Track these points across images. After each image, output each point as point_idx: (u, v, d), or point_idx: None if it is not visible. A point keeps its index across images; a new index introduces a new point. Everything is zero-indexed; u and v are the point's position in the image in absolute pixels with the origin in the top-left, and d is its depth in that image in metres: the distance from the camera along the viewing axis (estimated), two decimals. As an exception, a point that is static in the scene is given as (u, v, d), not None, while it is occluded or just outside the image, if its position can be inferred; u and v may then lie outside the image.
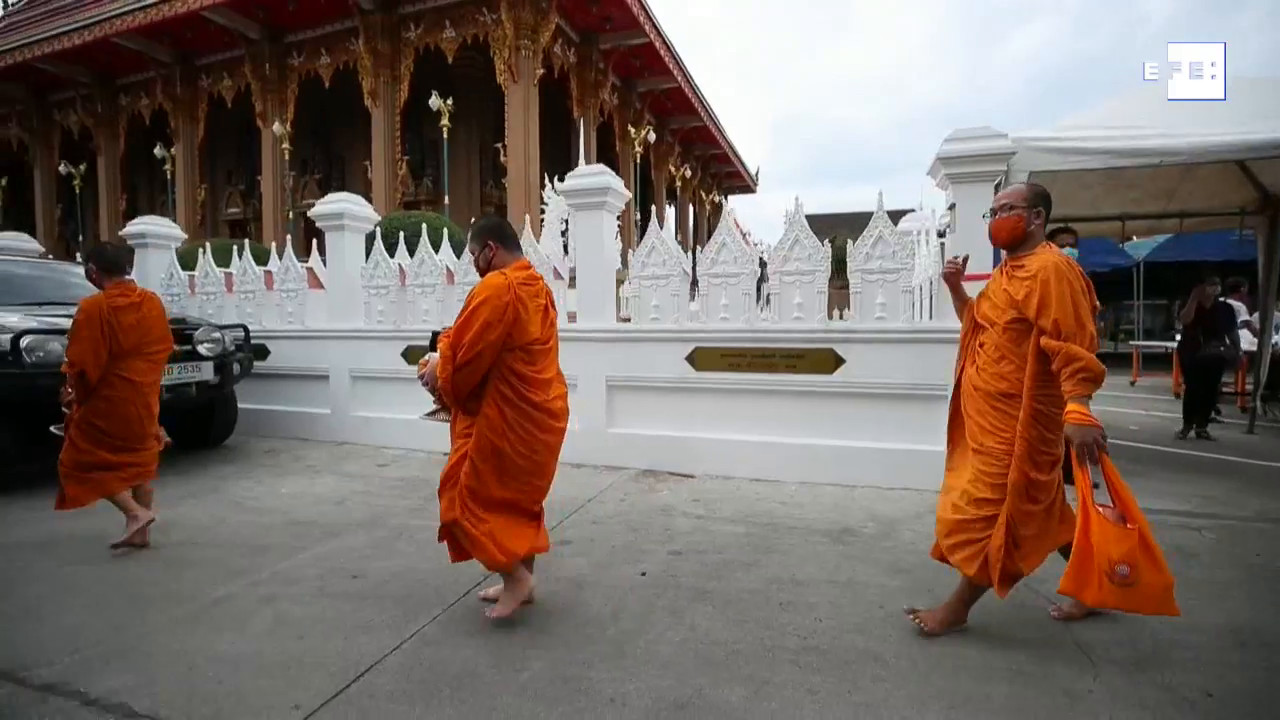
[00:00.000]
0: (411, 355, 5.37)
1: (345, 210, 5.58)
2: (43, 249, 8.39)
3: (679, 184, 21.97)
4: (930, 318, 4.58)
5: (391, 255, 5.54)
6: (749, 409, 4.45)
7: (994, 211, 2.29)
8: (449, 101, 13.33)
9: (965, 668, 2.04)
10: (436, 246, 5.50)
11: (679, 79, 19.33)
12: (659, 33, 17.01)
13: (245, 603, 2.55)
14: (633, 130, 16.77)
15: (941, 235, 5.16)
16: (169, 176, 17.60)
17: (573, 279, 5.19)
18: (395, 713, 1.83)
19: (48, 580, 2.80)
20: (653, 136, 17.01)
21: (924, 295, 4.99)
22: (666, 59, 17.97)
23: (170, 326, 4.62)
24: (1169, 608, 1.99)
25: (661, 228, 4.72)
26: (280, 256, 6.09)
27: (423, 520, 3.58)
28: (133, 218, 18.53)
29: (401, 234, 5.71)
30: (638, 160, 17.29)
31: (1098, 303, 2.20)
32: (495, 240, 2.43)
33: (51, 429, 3.47)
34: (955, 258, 2.56)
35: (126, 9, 16.00)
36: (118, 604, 2.55)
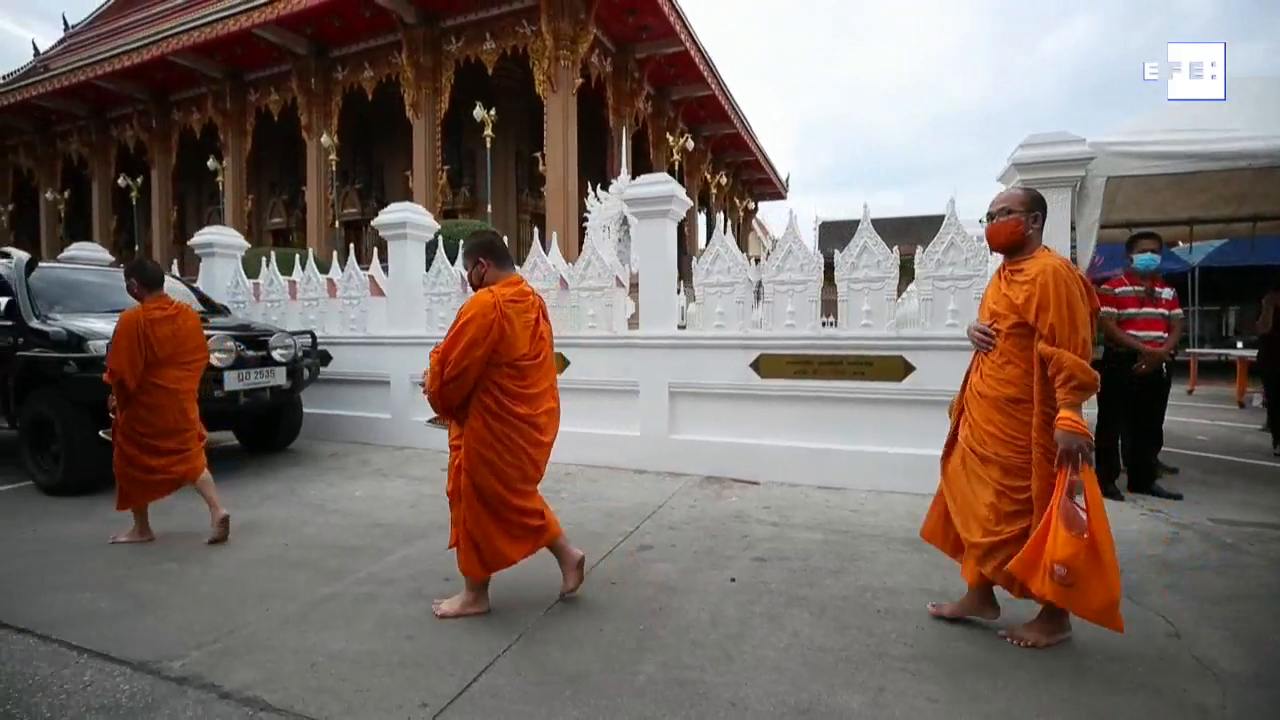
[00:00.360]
0: (472, 361, 5.46)
1: (408, 219, 5.71)
2: (113, 258, 8.74)
3: (713, 191, 22.00)
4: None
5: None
6: (815, 416, 4.43)
7: (991, 216, 2.27)
8: (491, 112, 13.53)
9: (1085, 679, 2.01)
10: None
11: (713, 86, 19.38)
12: (694, 41, 17.09)
13: (348, 602, 2.62)
14: (671, 138, 16.84)
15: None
16: (220, 188, 18.16)
17: (634, 285, 5.23)
18: (521, 712, 1.86)
19: (154, 578, 2.90)
20: (691, 144, 17.07)
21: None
22: (701, 67, 18.03)
23: (243, 333, 4.81)
24: (1110, 621, 2.01)
25: (707, 238, 4.74)
26: (342, 266, 6.25)
27: (500, 524, 3.64)
28: (183, 228, 19.03)
29: (441, 241, 5.84)
30: (678, 167, 17.29)
31: (1098, 304, 2.23)
32: (486, 257, 2.51)
33: (100, 434, 3.69)
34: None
35: (182, 28, 16.62)
36: (228, 601, 2.64)
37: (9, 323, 4.62)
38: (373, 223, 6.02)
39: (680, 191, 4.81)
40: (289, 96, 17.50)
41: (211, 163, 17.71)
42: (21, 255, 5.03)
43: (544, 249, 5.40)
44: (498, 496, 2.37)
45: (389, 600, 2.63)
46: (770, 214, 36.61)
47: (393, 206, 5.88)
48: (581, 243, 7.27)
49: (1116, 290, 3.95)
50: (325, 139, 14.95)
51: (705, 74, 18.39)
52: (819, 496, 4.16)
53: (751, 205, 23.79)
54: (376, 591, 2.72)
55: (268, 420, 5.46)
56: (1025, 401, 2.11)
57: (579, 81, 14.38)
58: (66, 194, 20.48)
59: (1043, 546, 2.00)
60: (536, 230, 6.50)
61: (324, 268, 6.65)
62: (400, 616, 2.48)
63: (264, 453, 5.64)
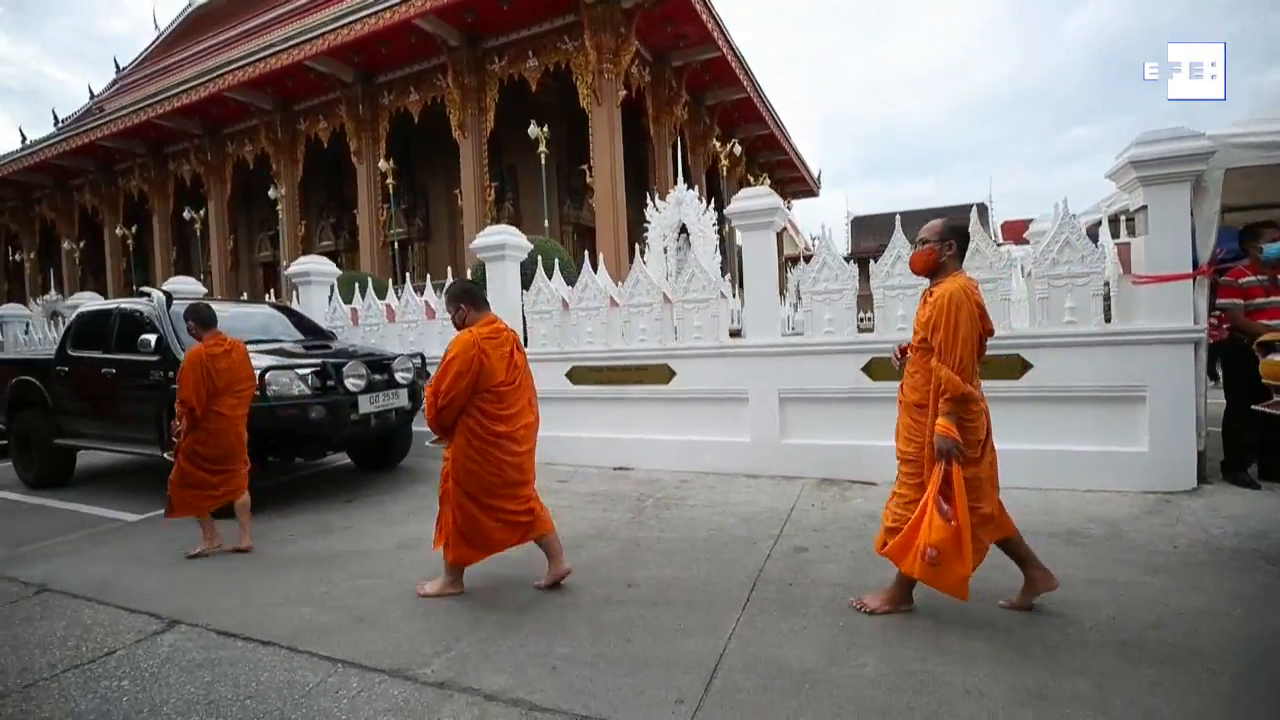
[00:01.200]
0: (575, 375, 5.66)
1: (506, 241, 5.95)
2: (205, 290, 9.20)
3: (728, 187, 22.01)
4: (1109, 320, 4.55)
5: (525, 285, 6.03)
6: (929, 416, 4.51)
7: (915, 244, 2.62)
8: (545, 129, 13.82)
9: (1304, 664, 2.09)
10: (550, 271, 6.03)
11: (748, 89, 19.45)
12: (730, 46, 17.20)
13: (552, 610, 2.81)
14: (718, 144, 16.99)
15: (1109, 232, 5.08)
16: (279, 214, 18.81)
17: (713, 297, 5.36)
18: (774, 705, 2.01)
19: (354, 593, 3.12)
20: (739, 149, 17.19)
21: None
22: (737, 70, 18.13)
23: (370, 358, 5.09)
24: (961, 593, 2.35)
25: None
26: (438, 291, 6.51)
27: (648, 532, 3.81)
28: (237, 255, 19.67)
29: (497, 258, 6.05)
30: (724, 172, 17.46)
31: (990, 327, 2.48)
32: (466, 303, 3.01)
33: (165, 454, 4.14)
34: None
35: (236, 65, 17.30)
36: (437, 612, 2.84)
37: (157, 358, 4.95)
38: (471, 245, 6.26)
39: (781, 203, 4.94)
40: (337, 123, 18.06)
41: (272, 192, 18.37)
42: (160, 294, 5.39)
43: (593, 267, 5.70)
44: (479, 497, 2.88)
45: (589, 607, 2.81)
46: (797, 212, 36.44)
47: (490, 230, 6.12)
48: (632, 253, 7.44)
49: (1240, 281, 3.97)
50: (382, 164, 15.43)
51: (741, 77, 18.48)
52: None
53: (788, 205, 23.73)
54: (571, 600, 2.90)
55: (384, 440, 5.72)
56: (926, 406, 2.44)
57: (623, 93, 14.59)
58: (134, 228, 21.39)
59: (917, 532, 2.35)
60: (586, 252, 6.68)
61: (381, 288, 6.89)
62: (608, 621, 2.65)
63: (378, 471, 5.91)
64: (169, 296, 5.38)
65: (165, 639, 2.70)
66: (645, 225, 11.23)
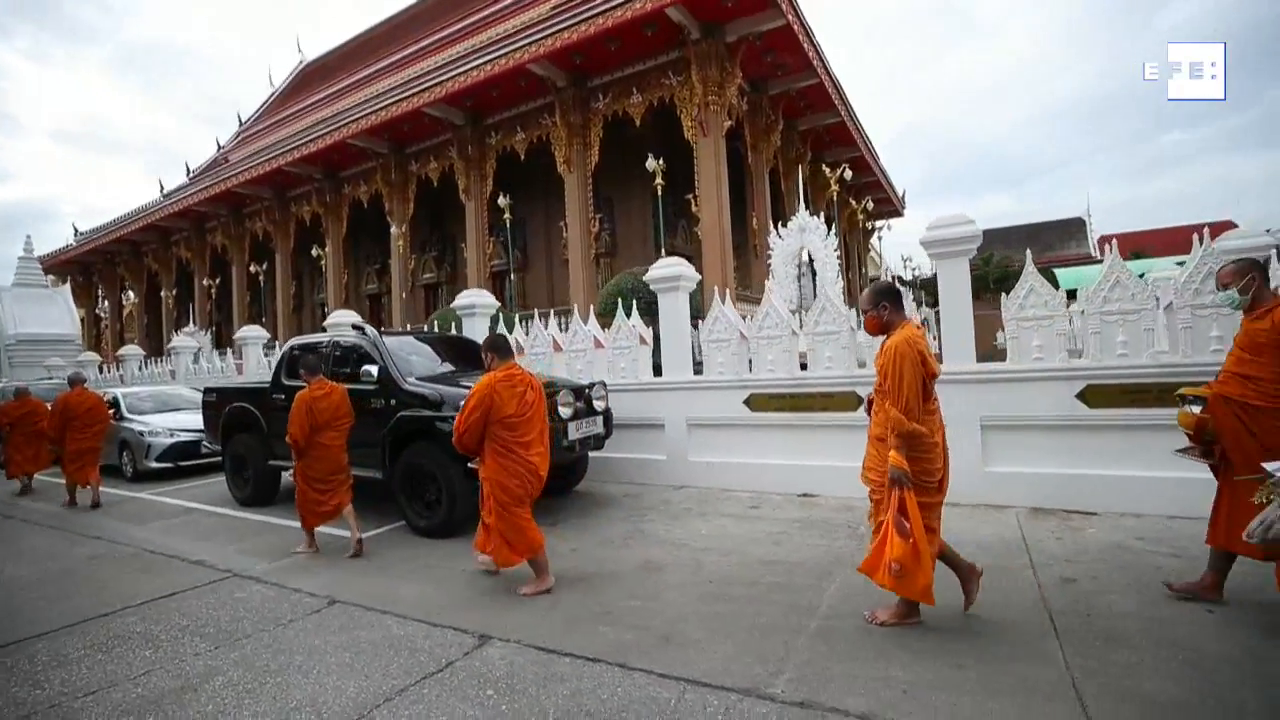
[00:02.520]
0: (755, 402, 5.76)
1: (681, 273, 6.16)
2: (360, 321, 9.89)
3: (860, 216, 21.96)
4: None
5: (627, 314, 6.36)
6: (1156, 445, 4.34)
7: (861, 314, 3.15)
8: (660, 162, 14.24)
9: None
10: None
11: (843, 113, 19.46)
12: (829, 72, 17.31)
13: (851, 634, 2.86)
14: (828, 170, 17.04)
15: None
16: (398, 250, 20.04)
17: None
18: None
19: (633, 615, 3.26)
20: (849, 173, 17.18)
21: None
22: (833, 96, 18.19)
23: (569, 386, 5.36)
24: (927, 599, 2.73)
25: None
26: (602, 323, 6.78)
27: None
28: (354, 289, 20.95)
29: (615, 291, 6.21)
30: (834, 198, 17.42)
31: (935, 370, 2.85)
32: (492, 352, 3.84)
33: (286, 473, 5.11)
34: None
35: (359, 115, 18.72)
36: (734, 633, 2.95)
37: (375, 386, 5.37)
38: (645, 277, 6.51)
39: (979, 231, 4.93)
40: (447, 164, 19.15)
41: (394, 229, 19.61)
42: (373, 329, 5.86)
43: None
44: (511, 507, 3.59)
45: (886, 633, 2.85)
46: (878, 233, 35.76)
47: (663, 262, 6.37)
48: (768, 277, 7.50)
49: None
50: (502, 200, 16.25)
51: (837, 102, 18.52)
52: (1183, 527, 4.05)
53: (879, 224, 23.45)
54: (854, 624, 2.95)
55: (568, 464, 5.95)
56: (885, 440, 2.83)
57: (729, 124, 14.88)
58: (265, 266, 23.26)
59: (883, 550, 2.75)
60: (729, 291, 6.81)
61: (509, 321, 7.17)
62: (922, 647, 2.68)
63: (559, 495, 6.13)
64: (379, 331, 5.84)
65: (490, 653, 2.91)
66: (769, 252, 11.32)
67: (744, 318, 6.17)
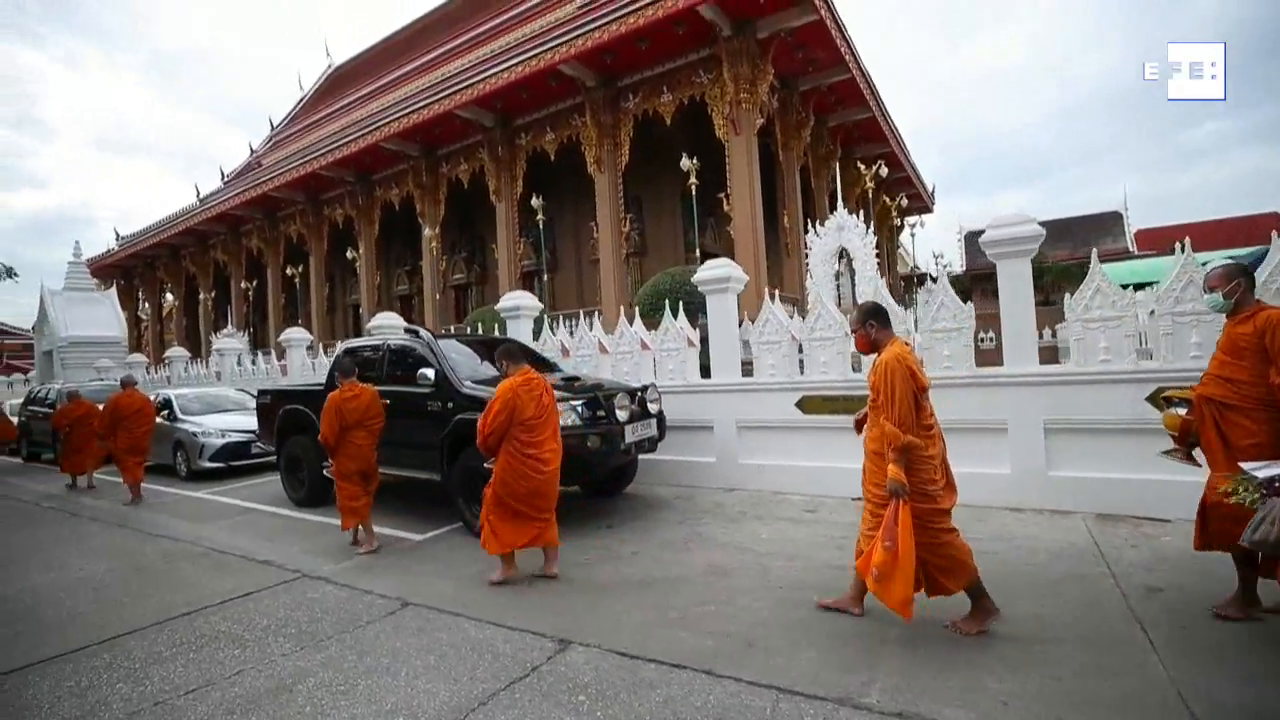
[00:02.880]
0: (807, 404, 5.73)
1: (731, 275, 6.15)
2: (405, 323, 10.03)
3: (894, 213, 21.72)
4: None
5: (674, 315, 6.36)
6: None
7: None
8: (694, 160, 14.21)
9: None
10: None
11: (874, 109, 19.21)
12: (860, 68, 17.10)
13: (939, 643, 2.84)
14: (862, 167, 16.86)
15: None
16: (434, 252, 20.28)
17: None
18: None
19: (708, 620, 3.27)
20: (885, 170, 17.00)
21: None
22: (865, 91, 17.97)
23: (623, 389, 5.38)
24: (905, 612, 2.79)
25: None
26: (653, 326, 6.79)
27: (959, 566, 3.77)
28: (385, 290, 21.20)
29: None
30: (869, 195, 17.19)
31: (924, 382, 2.94)
32: (508, 360, 4.14)
33: (325, 472, 5.62)
34: None
35: (391, 118, 18.96)
36: (816, 639, 2.94)
37: (431, 389, 5.44)
38: (694, 279, 6.50)
39: (1040, 229, 4.84)
40: (478, 165, 19.31)
41: (427, 231, 19.86)
42: (427, 332, 5.94)
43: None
44: (509, 502, 3.89)
45: (974, 642, 2.82)
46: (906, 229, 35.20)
47: (712, 263, 6.36)
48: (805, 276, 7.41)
49: None
50: (535, 201, 16.37)
51: (868, 98, 18.29)
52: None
53: (912, 221, 23.17)
54: (937, 633, 2.93)
55: (620, 466, 5.98)
56: (882, 454, 2.92)
57: (760, 122, 14.79)
58: (301, 269, 23.71)
59: (871, 556, 2.85)
60: (778, 293, 6.74)
61: (539, 323, 7.14)
62: (1012, 657, 2.65)
63: (608, 497, 6.17)
64: (433, 333, 5.93)
65: (573, 658, 2.94)
66: (806, 251, 11.24)
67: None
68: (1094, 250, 4.83)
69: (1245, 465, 2.61)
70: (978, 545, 4.11)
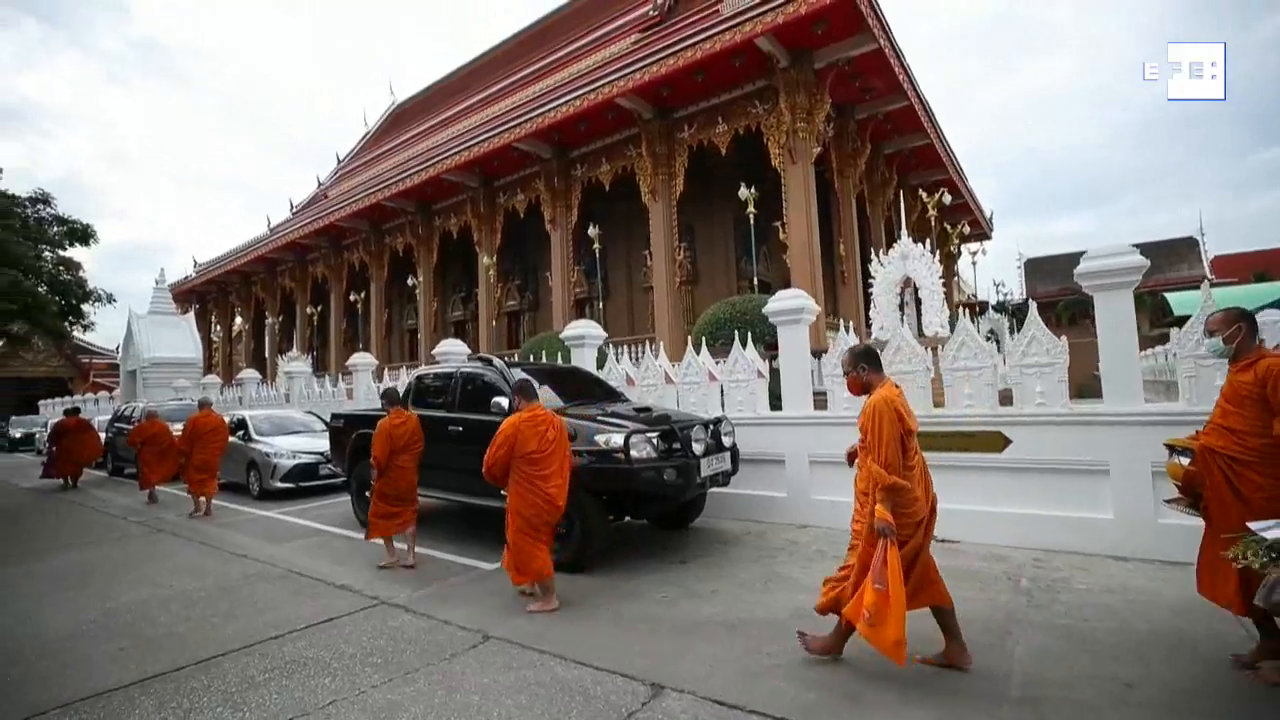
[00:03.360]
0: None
1: (804, 306, 6.05)
2: (469, 350, 10.24)
3: (954, 241, 21.28)
4: None
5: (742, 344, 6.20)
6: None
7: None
8: (753, 190, 14.25)
9: None
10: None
11: (931, 135, 18.94)
12: (918, 94, 16.93)
13: (1065, 705, 2.63)
14: (925, 195, 16.60)
15: None
16: (491, 279, 20.82)
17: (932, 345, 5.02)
18: None
19: (807, 665, 3.13)
20: (948, 198, 16.69)
21: None
22: (922, 118, 17.76)
23: (699, 422, 5.28)
24: (897, 657, 2.75)
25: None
26: (722, 356, 6.72)
27: (1067, 620, 3.53)
28: (441, 316, 21.74)
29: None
30: (933, 222, 16.87)
31: (912, 425, 3.00)
32: (520, 395, 4.42)
33: (367, 494, 5.72)
34: None
35: (453, 151, 19.67)
36: (927, 699, 2.77)
37: (505, 417, 5.47)
38: (765, 309, 6.43)
39: (1142, 260, 4.61)
40: (534, 195, 19.78)
41: (484, 259, 20.40)
42: (499, 360, 6.02)
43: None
44: (527, 530, 4.11)
45: (1112, 704, 2.60)
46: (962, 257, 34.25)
47: (785, 294, 6.28)
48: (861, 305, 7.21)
49: None
50: (592, 230, 16.67)
51: (926, 124, 18.07)
52: None
53: (974, 249, 22.53)
54: (1062, 694, 2.71)
55: (687, 501, 5.88)
56: (869, 494, 2.98)
57: (818, 150, 14.73)
58: (363, 295, 24.65)
59: (862, 599, 2.84)
60: (851, 324, 6.57)
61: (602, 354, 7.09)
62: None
63: (676, 529, 6.05)
64: (508, 363, 6.00)
65: (670, 705, 2.83)
66: (870, 280, 11.06)
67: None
68: (1206, 282, 4.53)
69: (1253, 525, 2.46)
70: (1088, 598, 3.88)
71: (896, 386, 3.15)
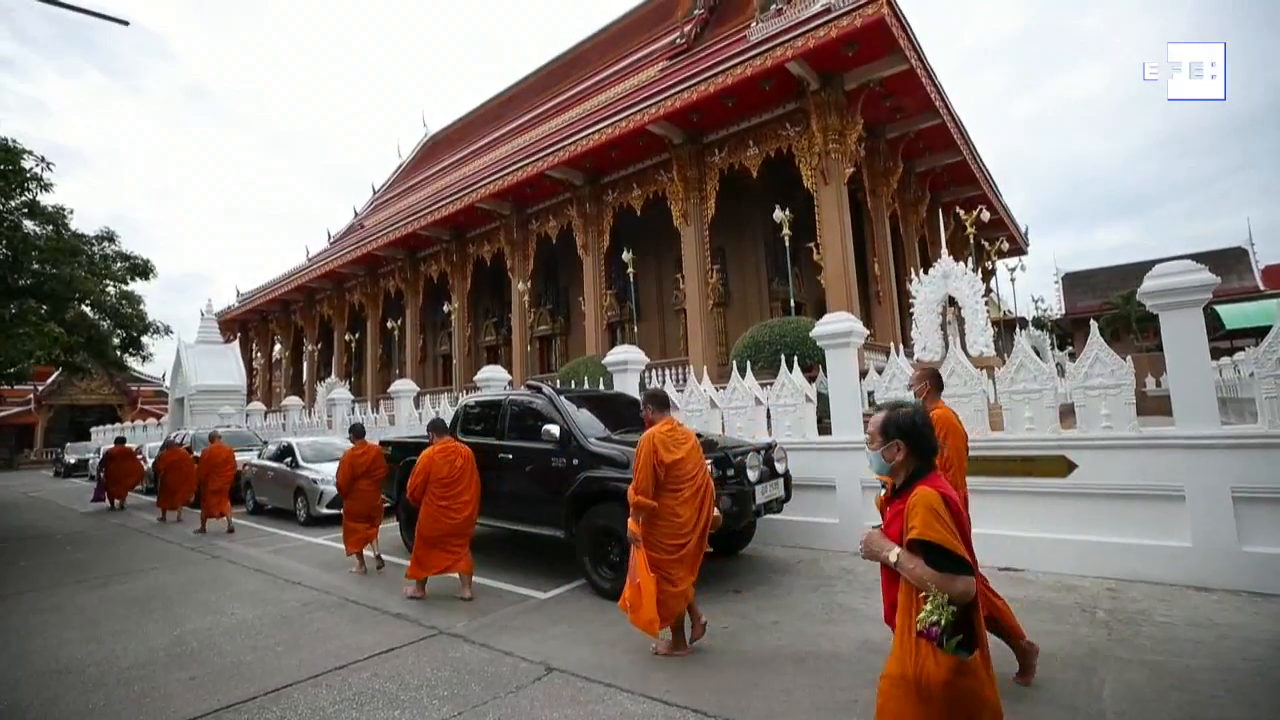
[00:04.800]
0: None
1: (852, 329, 6.00)
2: (511, 378, 10.36)
3: (993, 258, 20.94)
4: None
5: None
6: None
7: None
8: (787, 212, 14.27)
9: None
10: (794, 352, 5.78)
11: (964, 152, 18.78)
12: (950, 112, 16.84)
13: None
14: (962, 212, 16.43)
15: None
16: (525, 304, 21.11)
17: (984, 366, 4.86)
18: None
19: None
20: (986, 215, 16.49)
21: None
22: (955, 135, 17.65)
23: (752, 449, 5.23)
24: (650, 631, 3.65)
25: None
26: (766, 378, 6.68)
27: (1156, 654, 3.38)
28: (474, 342, 22.00)
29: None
30: (972, 236, 16.66)
31: (667, 458, 3.74)
32: (434, 432, 5.50)
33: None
34: None
35: (487, 180, 20.12)
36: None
37: (556, 446, 5.50)
38: (812, 333, 6.38)
39: (1211, 277, 4.47)
40: (566, 221, 20.06)
41: (517, 286, 20.72)
42: (549, 388, 6.06)
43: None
44: (427, 541, 5.12)
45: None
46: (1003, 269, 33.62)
47: (832, 317, 6.23)
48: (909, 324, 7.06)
49: None
50: (626, 255, 16.85)
51: (959, 141, 17.93)
52: None
53: (1012, 265, 22.13)
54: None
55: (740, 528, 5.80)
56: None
57: (850, 170, 14.71)
58: (400, 322, 25.18)
59: (640, 594, 3.62)
60: (901, 347, 6.49)
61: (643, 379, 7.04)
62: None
63: (726, 556, 5.97)
64: (556, 389, 6.04)
65: (747, 740, 2.78)
66: (911, 300, 10.91)
67: (877, 371, 5.88)
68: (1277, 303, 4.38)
69: None
70: (1173, 631, 3.71)
71: (671, 424, 3.96)
